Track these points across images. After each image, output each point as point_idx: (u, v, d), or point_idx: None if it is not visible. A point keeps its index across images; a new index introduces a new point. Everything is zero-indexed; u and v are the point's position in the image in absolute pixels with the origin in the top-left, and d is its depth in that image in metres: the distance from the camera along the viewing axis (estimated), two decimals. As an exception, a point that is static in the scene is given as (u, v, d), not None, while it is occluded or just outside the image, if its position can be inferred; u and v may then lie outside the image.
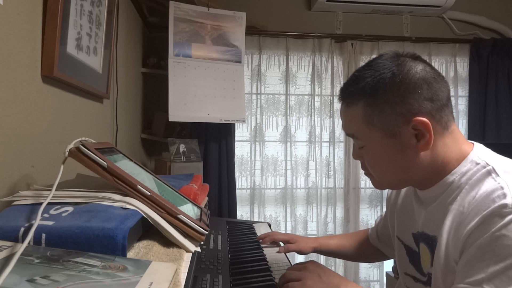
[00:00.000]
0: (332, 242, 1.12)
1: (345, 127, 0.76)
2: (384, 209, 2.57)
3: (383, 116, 0.68)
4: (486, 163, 0.67)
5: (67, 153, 0.66)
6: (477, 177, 0.66)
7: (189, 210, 0.80)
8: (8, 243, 0.53)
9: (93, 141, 0.75)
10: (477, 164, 0.67)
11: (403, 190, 0.89)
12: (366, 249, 1.10)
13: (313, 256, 2.36)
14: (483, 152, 0.70)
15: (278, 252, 1.05)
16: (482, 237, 0.59)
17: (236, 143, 2.34)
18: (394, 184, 0.77)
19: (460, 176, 0.68)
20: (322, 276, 0.72)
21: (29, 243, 0.52)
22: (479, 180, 0.65)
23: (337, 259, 2.38)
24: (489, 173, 0.65)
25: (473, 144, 0.73)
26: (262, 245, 1.08)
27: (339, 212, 2.42)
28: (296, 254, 1.13)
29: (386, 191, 2.41)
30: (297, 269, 0.76)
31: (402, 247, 0.85)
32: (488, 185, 0.63)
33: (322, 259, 2.37)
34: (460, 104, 2.49)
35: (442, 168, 0.70)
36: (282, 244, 1.12)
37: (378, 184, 0.77)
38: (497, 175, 0.64)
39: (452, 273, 0.65)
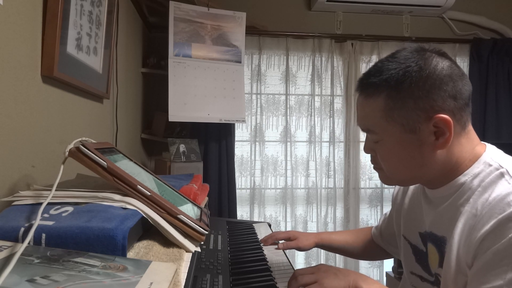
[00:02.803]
0: (335, 237, 1.11)
1: (361, 119, 0.74)
2: (384, 209, 2.59)
3: (405, 111, 0.66)
4: (500, 165, 0.66)
5: (67, 153, 0.66)
6: (490, 179, 0.65)
7: (189, 210, 0.80)
8: (8, 243, 0.53)
9: (93, 141, 0.75)
10: (490, 165, 0.67)
11: (411, 190, 0.88)
12: (369, 247, 1.09)
13: (313, 252, 2.36)
14: (496, 154, 0.70)
15: (277, 248, 1.04)
16: (498, 243, 0.58)
17: (236, 143, 2.34)
18: (405, 180, 0.75)
19: (472, 177, 0.67)
20: (338, 274, 0.71)
21: (29, 243, 0.52)
22: (492, 182, 0.64)
23: (337, 258, 2.38)
24: (502, 175, 0.64)
25: (485, 145, 0.72)
26: (263, 246, 1.07)
27: (339, 212, 2.42)
28: (296, 252, 1.12)
29: (386, 191, 2.42)
30: (309, 272, 0.74)
31: (408, 246, 0.84)
32: (502, 188, 0.62)
33: (322, 255, 2.37)
34: (460, 104, 2.49)
35: (455, 168, 0.69)
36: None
37: (388, 179, 0.76)
38: (511, 177, 0.63)
39: (463, 275, 0.64)
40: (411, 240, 0.84)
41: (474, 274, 0.61)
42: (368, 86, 0.71)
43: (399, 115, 0.67)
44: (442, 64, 0.66)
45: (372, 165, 0.79)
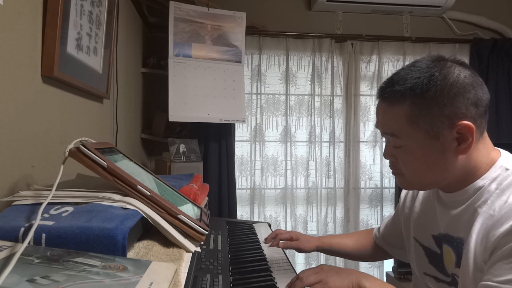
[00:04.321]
0: (335, 241, 1.13)
1: (383, 125, 0.76)
2: (384, 209, 2.58)
3: (430, 118, 0.69)
4: None
5: (67, 153, 0.66)
6: (508, 182, 0.68)
7: (189, 210, 0.80)
8: (8, 243, 0.53)
9: (93, 141, 0.75)
10: (507, 169, 0.69)
11: (421, 194, 0.90)
12: (370, 249, 1.11)
13: (313, 255, 2.36)
14: None
15: (277, 246, 1.05)
16: None
17: (236, 143, 2.34)
18: (426, 184, 0.78)
19: (490, 181, 0.70)
20: (341, 273, 0.73)
21: (29, 243, 0.52)
22: (510, 185, 0.67)
23: (337, 259, 2.38)
24: None
25: (500, 150, 0.75)
26: (263, 246, 1.08)
27: (339, 212, 2.42)
28: (296, 253, 1.13)
29: (386, 191, 2.41)
30: (312, 272, 0.75)
31: (420, 248, 0.86)
32: None
33: (322, 255, 2.37)
34: (460, 104, 2.49)
35: (473, 173, 0.72)
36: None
37: (408, 184, 0.78)
38: None
39: (480, 272, 0.66)
40: (423, 242, 0.85)
41: (489, 267, 0.63)
42: (392, 94, 0.72)
43: (424, 122, 0.69)
44: (464, 73, 0.69)
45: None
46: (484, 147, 0.72)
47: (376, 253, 1.10)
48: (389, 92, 0.73)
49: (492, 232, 0.64)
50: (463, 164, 0.71)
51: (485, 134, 0.73)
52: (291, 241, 1.09)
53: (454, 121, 0.67)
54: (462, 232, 0.72)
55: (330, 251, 1.13)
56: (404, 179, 0.77)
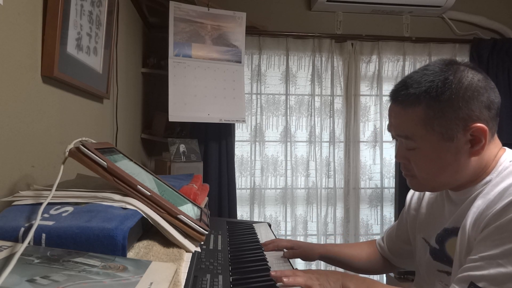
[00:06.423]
0: (338, 250, 1.12)
1: (396, 128, 0.77)
2: (384, 209, 2.57)
3: (444, 120, 0.70)
4: None
5: (67, 153, 0.66)
6: (507, 171, 0.71)
7: (189, 210, 0.80)
8: (8, 243, 0.53)
9: (93, 141, 0.75)
10: (510, 162, 0.73)
11: (427, 195, 0.91)
12: (373, 260, 1.11)
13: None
14: None
15: (283, 256, 1.04)
16: (502, 219, 0.62)
17: (236, 143, 2.34)
18: (438, 186, 0.79)
19: (495, 175, 0.73)
20: (329, 281, 0.76)
21: (29, 243, 0.52)
22: (510, 173, 0.69)
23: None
24: None
25: (506, 149, 0.78)
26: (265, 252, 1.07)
27: (339, 212, 2.42)
28: (296, 260, 1.12)
29: (386, 191, 2.41)
30: (301, 274, 0.77)
31: (428, 248, 0.87)
32: None
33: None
34: (460, 104, 2.49)
35: (482, 172, 0.74)
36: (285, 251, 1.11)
37: (420, 186, 0.80)
38: None
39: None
40: (430, 242, 0.86)
41: (476, 243, 0.66)
42: (406, 96, 0.73)
43: (439, 124, 0.71)
44: (477, 77, 0.71)
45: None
46: (494, 147, 0.75)
47: (380, 266, 1.10)
48: (403, 95, 0.74)
49: (484, 213, 0.66)
50: (475, 165, 0.73)
51: (495, 135, 0.75)
52: (293, 250, 1.09)
53: (468, 123, 0.69)
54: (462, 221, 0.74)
55: (334, 261, 1.12)
56: (416, 181, 0.78)
